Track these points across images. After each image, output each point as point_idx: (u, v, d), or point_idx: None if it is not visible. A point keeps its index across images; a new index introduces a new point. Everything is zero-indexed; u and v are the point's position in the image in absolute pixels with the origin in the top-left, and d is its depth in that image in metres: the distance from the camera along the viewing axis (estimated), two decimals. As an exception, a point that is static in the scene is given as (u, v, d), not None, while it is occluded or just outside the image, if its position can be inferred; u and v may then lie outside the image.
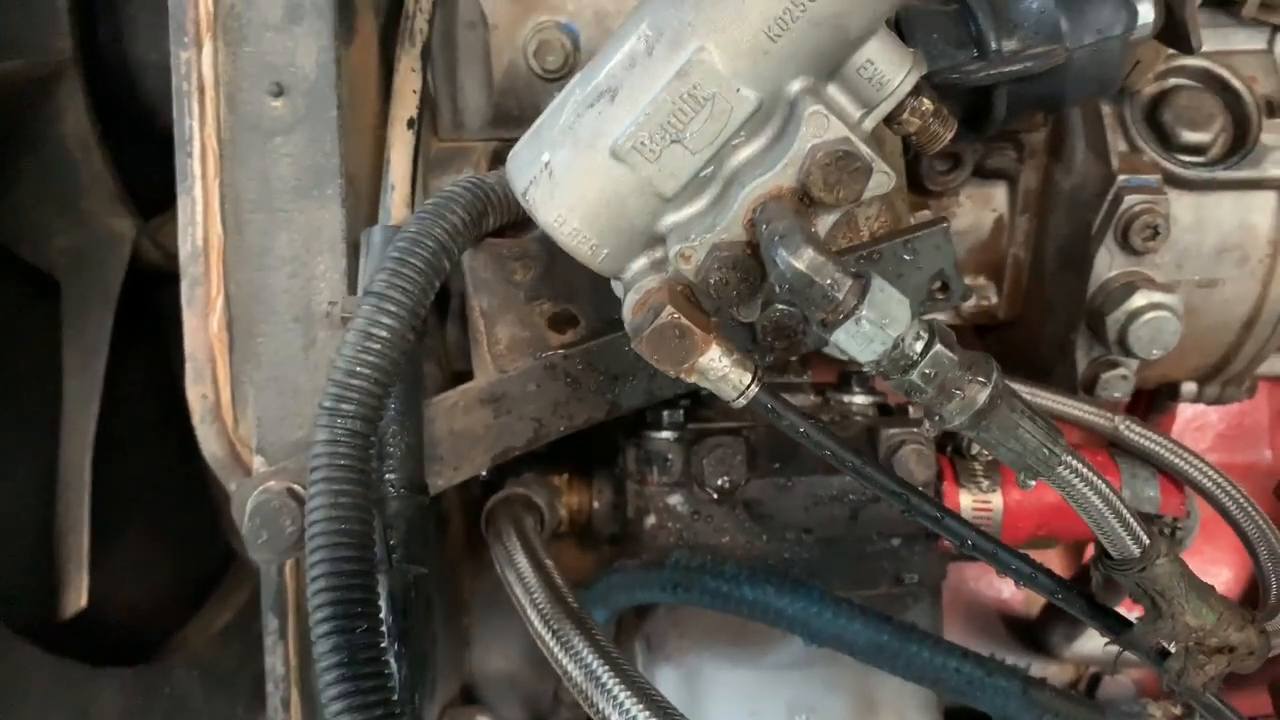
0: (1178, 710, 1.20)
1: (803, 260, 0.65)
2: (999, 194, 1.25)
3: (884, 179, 0.70)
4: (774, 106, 0.70)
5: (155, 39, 1.28)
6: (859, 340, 0.66)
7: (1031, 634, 1.61)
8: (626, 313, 0.75)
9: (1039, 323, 1.25)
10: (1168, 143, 1.14)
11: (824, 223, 0.72)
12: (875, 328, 0.66)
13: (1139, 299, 1.11)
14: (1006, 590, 1.66)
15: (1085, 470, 0.73)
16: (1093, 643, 1.53)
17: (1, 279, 1.34)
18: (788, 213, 0.68)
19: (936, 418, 0.70)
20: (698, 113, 0.69)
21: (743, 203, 0.70)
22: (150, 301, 1.46)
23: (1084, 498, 0.74)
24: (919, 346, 0.67)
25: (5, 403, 1.32)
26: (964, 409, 0.69)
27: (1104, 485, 0.74)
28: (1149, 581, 0.78)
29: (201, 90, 0.93)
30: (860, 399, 1.19)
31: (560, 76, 1.10)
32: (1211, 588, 0.81)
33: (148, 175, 1.26)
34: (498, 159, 1.14)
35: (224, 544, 1.65)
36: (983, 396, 0.69)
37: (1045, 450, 0.71)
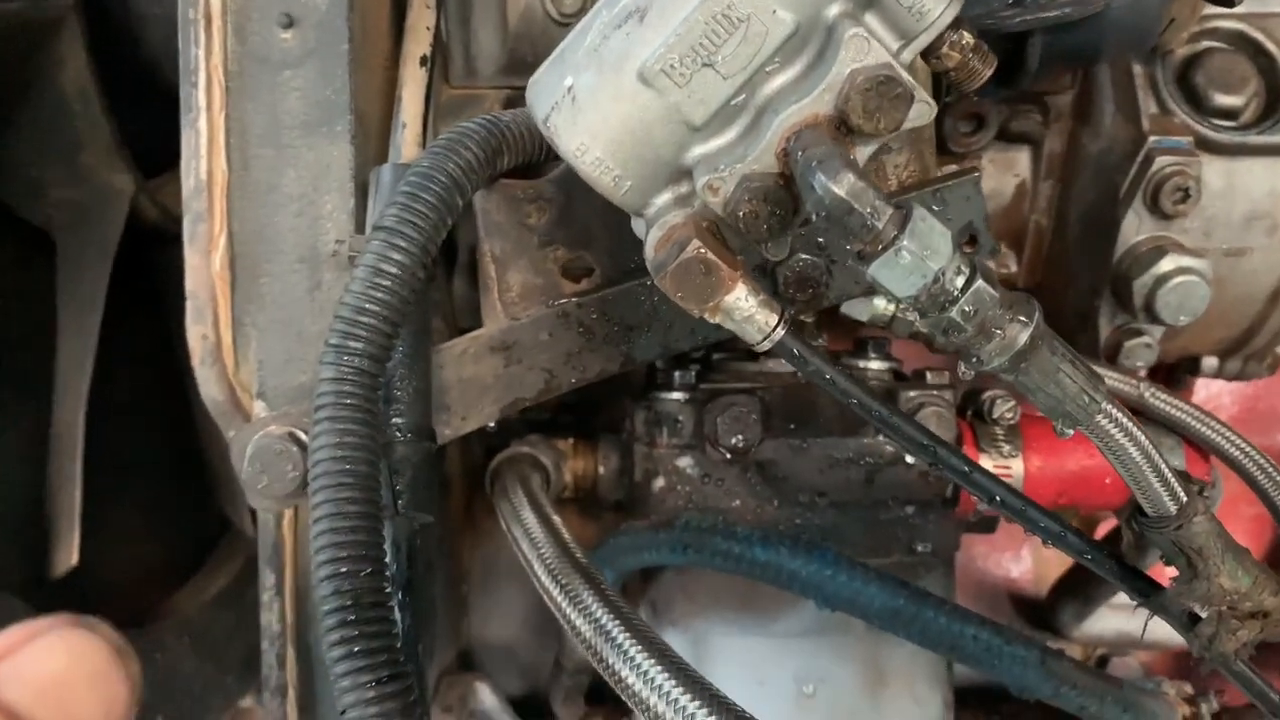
0: (1191, 689, 1.18)
1: (842, 185, 0.62)
2: (1022, 159, 1.22)
3: (925, 108, 0.67)
4: (810, 31, 0.67)
5: (159, -9, 1.25)
6: (898, 273, 0.63)
7: (1040, 613, 1.59)
8: (649, 250, 0.72)
9: (1060, 290, 1.22)
10: (1199, 106, 1.11)
11: (860, 154, 0.68)
12: (916, 259, 0.62)
13: (1167, 263, 1.08)
14: (1016, 570, 1.64)
15: (1125, 420, 0.70)
16: (1101, 623, 1.50)
17: (-4, 235, 1.31)
18: (825, 140, 0.65)
19: (974, 359, 0.66)
20: (731, 35, 0.66)
21: (776, 131, 0.67)
22: (149, 266, 1.43)
23: (1122, 449, 0.71)
24: (959, 282, 0.64)
25: (-1, 360, 1.29)
26: (1004, 350, 0.66)
27: (1143, 438, 0.71)
28: (1185, 540, 0.75)
29: (209, 19, 0.90)
30: (876, 365, 1.17)
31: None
32: (1247, 550, 0.78)
33: (149, 135, 1.23)
34: (510, 108, 1.11)
35: (218, 513, 1.62)
36: (1024, 337, 0.66)
37: (1086, 396, 0.68)
